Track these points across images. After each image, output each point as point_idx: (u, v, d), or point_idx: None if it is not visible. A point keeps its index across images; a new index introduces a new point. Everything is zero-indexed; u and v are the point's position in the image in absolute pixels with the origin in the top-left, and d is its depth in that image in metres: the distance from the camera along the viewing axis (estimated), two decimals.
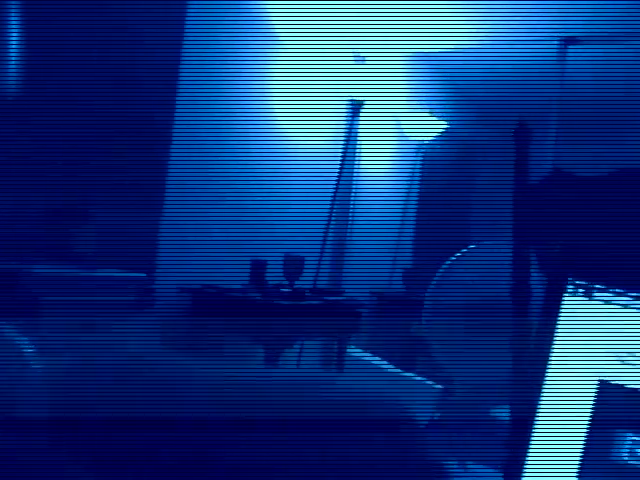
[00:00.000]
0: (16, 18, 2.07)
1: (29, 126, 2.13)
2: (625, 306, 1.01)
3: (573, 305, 1.03)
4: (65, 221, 2.01)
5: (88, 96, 2.30)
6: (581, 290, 1.05)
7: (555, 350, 1.01)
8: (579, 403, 0.99)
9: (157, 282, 2.59)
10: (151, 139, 2.63)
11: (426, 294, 3.04)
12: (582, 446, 0.99)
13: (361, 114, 3.86)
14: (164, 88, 2.67)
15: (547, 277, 1.34)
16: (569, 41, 3.84)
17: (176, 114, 2.71)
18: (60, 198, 2.11)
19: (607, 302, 1.01)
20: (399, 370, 3.19)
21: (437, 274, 3.04)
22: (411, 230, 4.60)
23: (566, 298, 1.05)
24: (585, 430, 0.98)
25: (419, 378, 3.15)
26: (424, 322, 2.98)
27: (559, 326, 1.02)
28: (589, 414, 0.98)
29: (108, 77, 2.36)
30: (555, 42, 3.86)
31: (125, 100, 2.45)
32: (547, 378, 1.02)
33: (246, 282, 2.85)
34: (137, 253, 2.51)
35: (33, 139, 2.13)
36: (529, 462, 1.02)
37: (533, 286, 1.53)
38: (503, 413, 2.65)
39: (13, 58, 2.08)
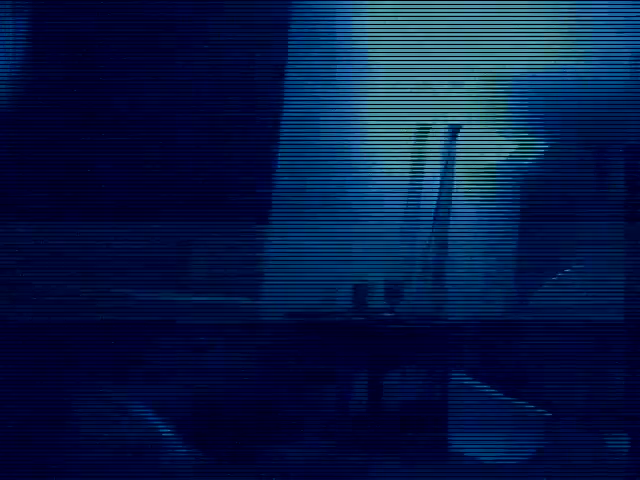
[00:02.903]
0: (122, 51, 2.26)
1: (144, 164, 2.32)
2: None
3: None
4: (178, 249, 2.15)
5: (198, 134, 2.47)
6: None
7: None
8: None
9: (263, 307, 2.69)
10: (256, 169, 2.77)
11: (523, 318, 2.97)
12: None
13: (459, 137, 3.85)
14: (268, 121, 2.81)
15: None
16: None
17: (279, 144, 2.83)
18: (171, 227, 2.26)
19: None
20: (505, 396, 3.11)
21: (532, 298, 2.96)
22: (513, 253, 4.49)
23: None
24: None
25: (525, 404, 3.05)
26: (523, 346, 2.90)
27: None
28: None
29: (218, 116, 2.52)
30: None
31: (232, 137, 2.61)
32: None
33: (349, 306, 2.90)
34: (245, 280, 2.62)
35: (150, 177, 2.31)
36: None
37: None
38: (619, 442, 2.52)
39: (120, 93, 2.27)
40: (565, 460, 2.59)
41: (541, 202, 4.57)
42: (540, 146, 4.34)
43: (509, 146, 4.34)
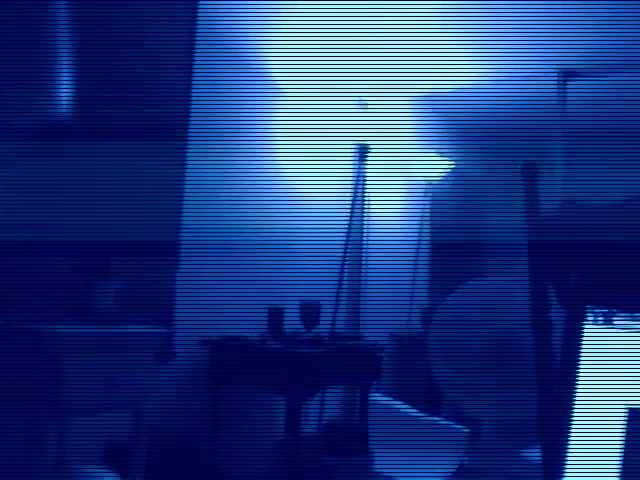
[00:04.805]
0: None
1: (51, 187, 2.20)
2: None
3: (595, 333, 1.03)
4: (86, 278, 2.04)
5: (107, 157, 2.38)
6: (601, 318, 1.05)
7: (581, 380, 1.01)
8: (611, 431, 0.98)
9: (177, 335, 2.60)
10: (164, 194, 2.69)
11: (428, 333, 3.00)
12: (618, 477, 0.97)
13: (368, 158, 3.91)
14: (175, 146, 2.74)
15: (565, 308, 1.34)
16: (568, 74, 3.91)
17: (187, 166, 2.76)
18: (80, 256, 2.14)
19: (629, 328, 1.01)
20: (424, 414, 3.13)
21: (435, 314, 2.99)
22: (426, 270, 4.60)
23: (587, 327, 1.05)
24: (619, 460, 0.97)
25: (445, 422, 3.08)
26: (429, 362, 2.93)
27: (583, 355, 1.02)
28: (621, 442, 0.97)
29: (123, 140, 2.44)
30: (554, 76, 3.93)
31: (139, 159, 2.52)
32: (576, 409, 1.01)
33: (264, 331, 2.85)
34: (156, 307, 2.53)
35: (54, 198, 2.19)
36: None
37: (553, 318, 1.52)
38: (534, 454, 2.58)
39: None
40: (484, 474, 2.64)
41: (451, 219, 4.71)
42: (448, 165, 4.49)
43: (419, 165, 4.46)
